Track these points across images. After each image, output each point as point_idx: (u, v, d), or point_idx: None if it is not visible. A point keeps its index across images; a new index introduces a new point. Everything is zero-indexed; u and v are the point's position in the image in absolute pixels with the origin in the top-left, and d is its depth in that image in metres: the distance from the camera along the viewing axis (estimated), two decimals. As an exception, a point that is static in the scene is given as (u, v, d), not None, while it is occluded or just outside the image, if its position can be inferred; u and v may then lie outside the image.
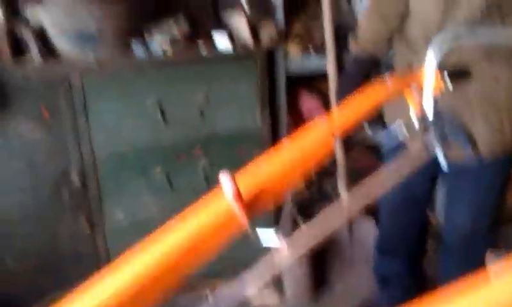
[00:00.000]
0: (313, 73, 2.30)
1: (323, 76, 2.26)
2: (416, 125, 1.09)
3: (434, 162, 1.14)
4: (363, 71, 1.58)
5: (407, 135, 1.14)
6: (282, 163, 0.84)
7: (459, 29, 1.04)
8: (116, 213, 2.00)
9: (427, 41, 1.47)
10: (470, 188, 1.61)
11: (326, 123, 0.94)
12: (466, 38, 1.05)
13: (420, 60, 1.49)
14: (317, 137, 0.91)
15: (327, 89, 2.30)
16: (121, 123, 1.90)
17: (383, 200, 1.73)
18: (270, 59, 2.06)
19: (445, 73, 1.10)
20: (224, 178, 0.69)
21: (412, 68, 1.52)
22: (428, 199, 1.80)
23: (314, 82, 2.43)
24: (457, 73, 1.15)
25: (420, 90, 1.10)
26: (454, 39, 1.02)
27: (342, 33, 2.20)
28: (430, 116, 1.06)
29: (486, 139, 1.47)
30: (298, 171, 0.88)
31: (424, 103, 1.08)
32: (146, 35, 1.83)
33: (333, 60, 2.22)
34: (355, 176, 2.18)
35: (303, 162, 0.88)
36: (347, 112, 0.99)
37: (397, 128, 1.17)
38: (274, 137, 2.16)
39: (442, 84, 1.10)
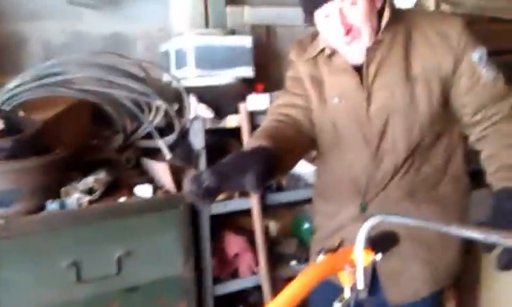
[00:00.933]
0: (237, 210, 2.28)
1: (247, 212, 2.25)
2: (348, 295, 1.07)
3: None
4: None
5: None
6: None
7: (387, 214, 1.07)
8: None
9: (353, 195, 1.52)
10: None
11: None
12: (395, 221, 1.08)
13: (347, 224, 1.53)
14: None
15: (251, 225, 2.28)
16: (32, 285, 1.70)
17: None
18: (193, 205, 2.01)
19: (372, 243, 1.10)
20: None
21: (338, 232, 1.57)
22: None
23: (238, 219, 2.40)
24: (385, 239, 1.16)
25: (352, 264, 1.09)
26: (383, 221, 1.04)
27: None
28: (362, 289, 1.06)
29: (423, 277, 1.52)
30: None
31: (356, 278, 1.07)
32: (62, 191, 1.71)
33: (258, 199, 2.23)
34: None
35: None
36: (283, 300, 0.95)
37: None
38: (199, 285, 2.06)
39: (372, 254, 1.10)
